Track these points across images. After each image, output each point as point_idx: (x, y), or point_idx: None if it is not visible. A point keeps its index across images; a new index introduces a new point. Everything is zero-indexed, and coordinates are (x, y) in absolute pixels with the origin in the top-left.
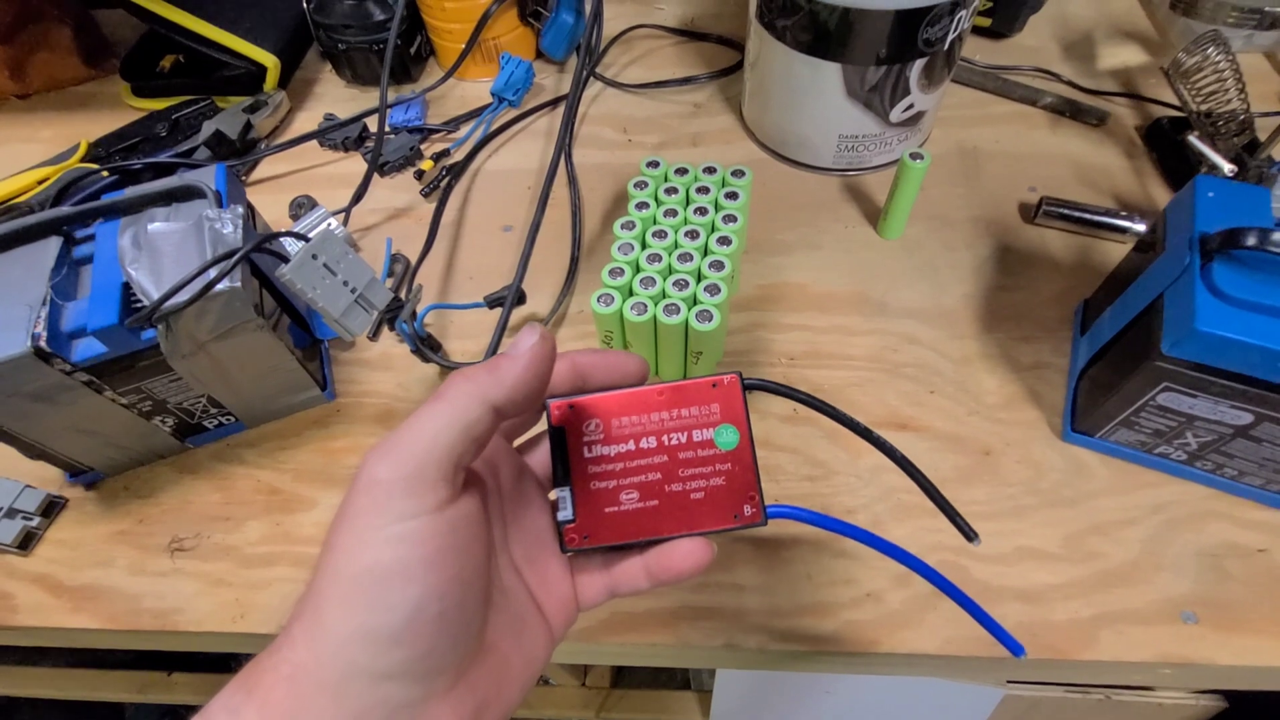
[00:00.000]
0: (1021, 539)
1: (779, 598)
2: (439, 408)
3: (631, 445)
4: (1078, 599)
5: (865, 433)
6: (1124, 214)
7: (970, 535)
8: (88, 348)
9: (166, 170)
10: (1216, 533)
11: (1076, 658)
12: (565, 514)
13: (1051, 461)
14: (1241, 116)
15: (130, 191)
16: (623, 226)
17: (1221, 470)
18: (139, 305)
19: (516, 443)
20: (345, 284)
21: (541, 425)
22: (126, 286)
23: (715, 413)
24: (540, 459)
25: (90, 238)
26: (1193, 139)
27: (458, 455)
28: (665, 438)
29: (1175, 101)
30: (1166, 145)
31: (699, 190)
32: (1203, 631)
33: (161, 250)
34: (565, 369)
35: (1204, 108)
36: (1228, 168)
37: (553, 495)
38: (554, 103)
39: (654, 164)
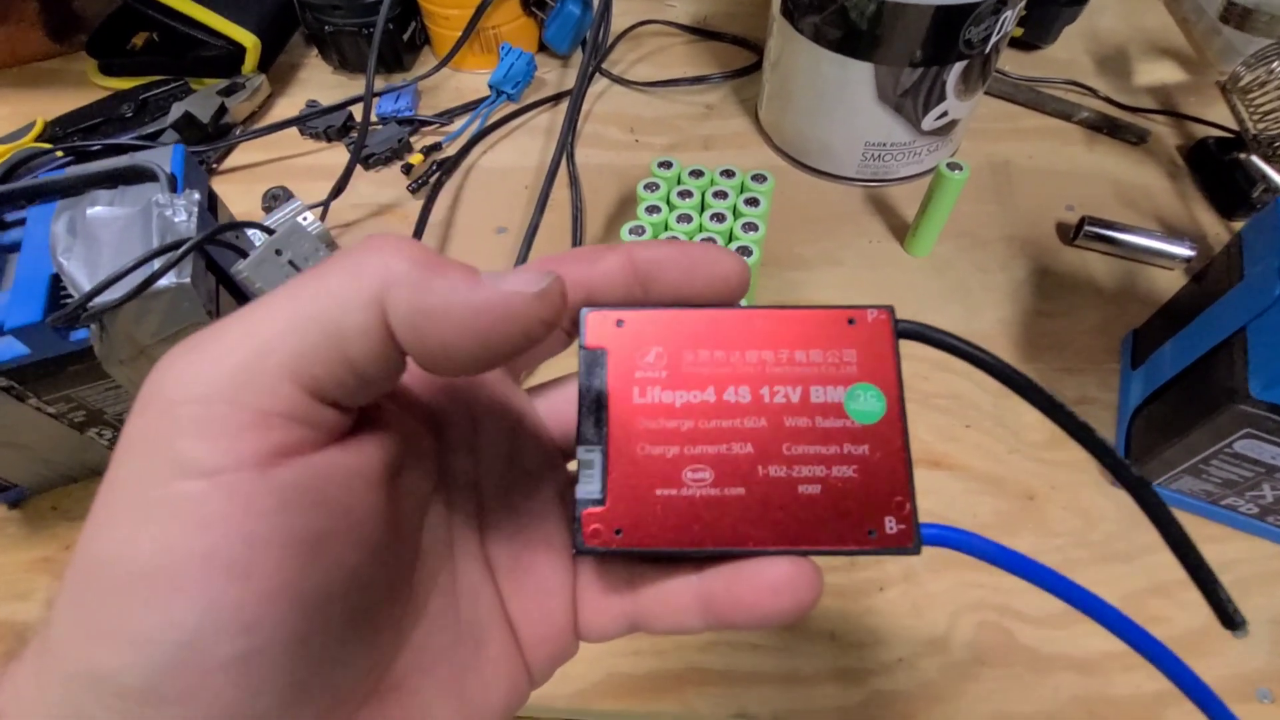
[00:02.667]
0: None
1: (799, 660)
2: (303, 288)
3: (711, 394)
4: (1139, 670)
5: (1080, 429)
6: (1172, 238)
7: (1235, 623)
8: (7, 348)
9: (126, 153)
10: None
11: None
12: (589, 488)
13: (1103, 509)
14: None
15: (70, 171)
16: (631, 231)
17: None
18: (69, 300)
19: (528, 383)
20: None
21: (566, 360)
22: (56, 279)
23: (851, 363)
24: (559, 409)
25: (21, 222)
26: (1254, 158)
27: (312, 374)
28: (767, 390)
29: (1219, 121)
30: (1212, 167)
31: (716, 195)
32: None
33: (100, 239)
34: (617, 267)
35: (1261, 126)
36: None
37: (572, 464)
38: (556, 98)
39: (666, 164)
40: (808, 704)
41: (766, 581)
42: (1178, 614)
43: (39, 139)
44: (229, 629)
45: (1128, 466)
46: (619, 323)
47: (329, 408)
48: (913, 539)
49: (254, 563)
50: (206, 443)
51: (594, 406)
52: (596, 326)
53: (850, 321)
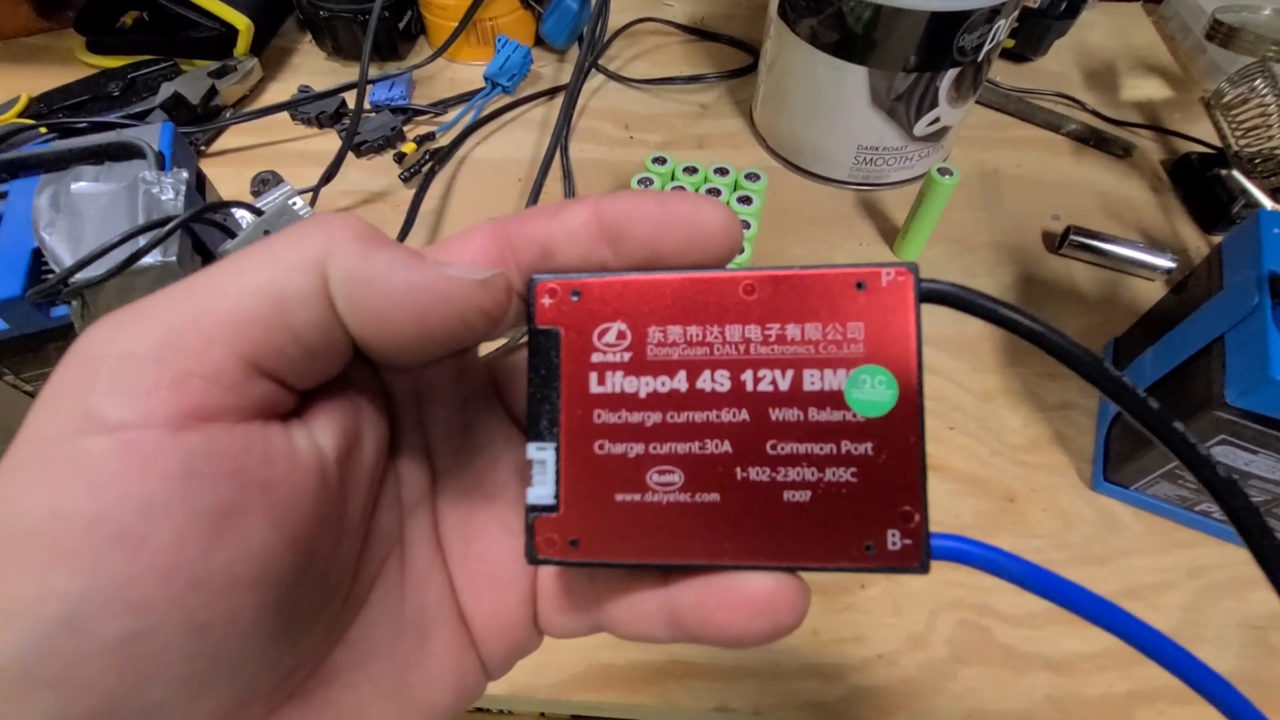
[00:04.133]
0: None
1: (779, 655)
2: (248, 256)
3: (683, 382)
4: (1112, 670)
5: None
6: (1154, 249)
7: None
8: None
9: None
10: (1260, 602)
11: None
12: (541, 492)
13: (1081, 513)
14: None
15: (55, 145)
16: None
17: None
18: (51, 275)
19: (489, 348)
20: None
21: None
22: (38, 254)
23: (856, 340)
24: (522, 379)
25: (2, 196)
26: (1235, 174)
27: (250, 338)
28: (750, 376)
29: (1202, 137)
30: (1194, 182)
31: (709, 192)
32: None
33: (84, 214)
34: (581, 222)
35: (1243, 143)
36: (1272, 206)
37: (526, 456)
38: (551, 92)
39: (661, 160)
40: (788, 698)
41: (741, 599)
42: (1150, 616)
43: (22, 115)
44: (114, 606)
45: (1192, 443)
46: (575, 293)
47: (265, 380)
48: (919, 557)
49: (148, 533)
50: (119, 398)
51: (545, 396)
52: (548, 299)
53: (859, 286)
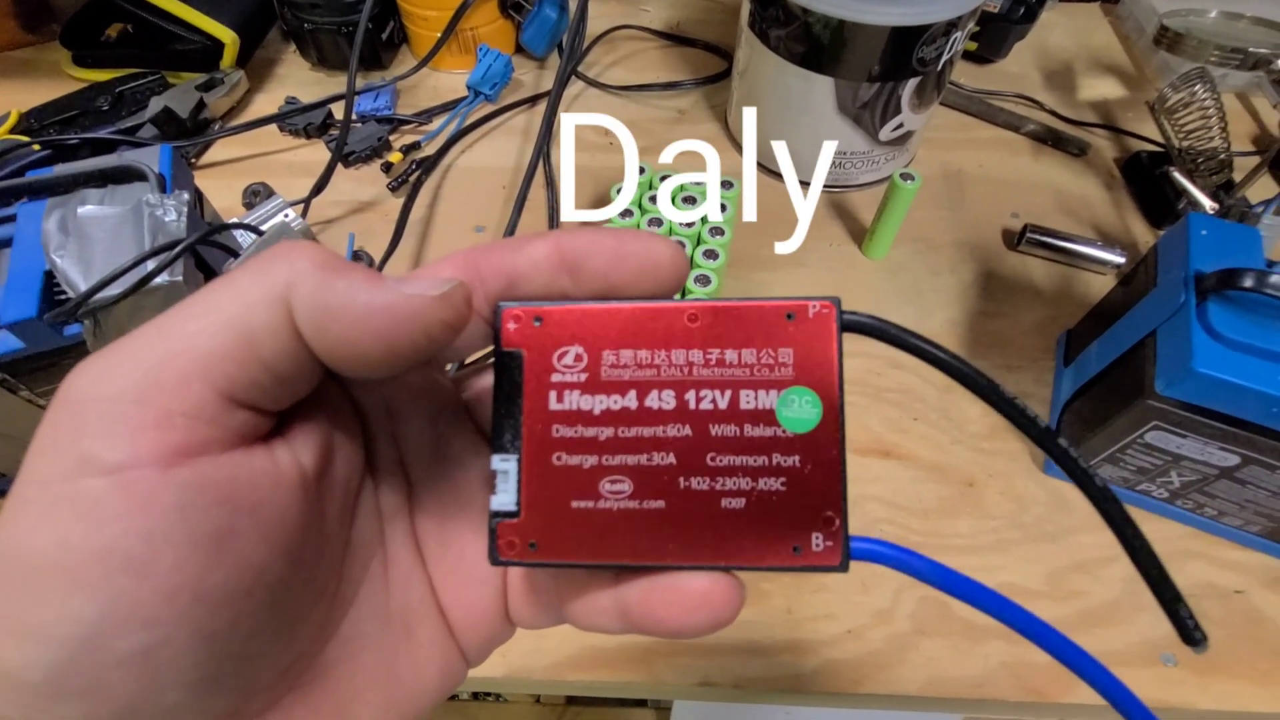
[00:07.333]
0: (1004, 575)
1: (756, 633)
2: (215, 292)
3: (633, 400)
4: None
5: (1059, 451)
6: (1105, 246)
7: (1195, 639)
8: (1, 342)
9: (106, 147)
10: (1195, 573)
11: (1058, 700)
12: (504, 499)
13: (1034, 495)
14: (1221, 155)
15: (60, 169)
16: None
17: (1201, 510)
18: (63, 297)
19: (466, 363)
20: None
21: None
22: (49, 275)
23: (786, 364)
24: (488, 394)
25: (10, 219)
26: (1176, 174)
27: (225, 373)
28: (692, 396)
29: (1154, 136)
30: (1144, 179)
31: (685, 200)
32: (1182, 675)
33: (92, 237)
34: (544, 255)
35: (1185, 144)
36: (1210, 205)
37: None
38: (532, 100)
39: (639, 169)
40: (766, 672)
41: (681, 596)
42: (1095, 588)
43: (14, 131)
44: (129, 625)
45: (1074, 456)
46: (537, 319)
47: (243, 409)
48: (840, 557)
49: (153, 560)
50: (110, 440)
51: (509, 412)
52: (513, 324)
53: (789, 316)
